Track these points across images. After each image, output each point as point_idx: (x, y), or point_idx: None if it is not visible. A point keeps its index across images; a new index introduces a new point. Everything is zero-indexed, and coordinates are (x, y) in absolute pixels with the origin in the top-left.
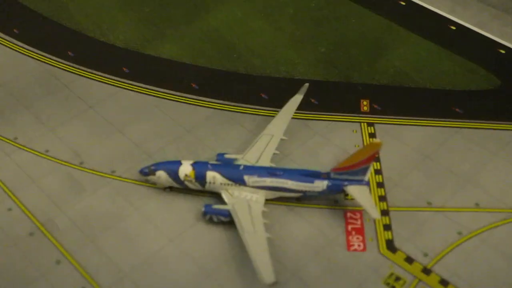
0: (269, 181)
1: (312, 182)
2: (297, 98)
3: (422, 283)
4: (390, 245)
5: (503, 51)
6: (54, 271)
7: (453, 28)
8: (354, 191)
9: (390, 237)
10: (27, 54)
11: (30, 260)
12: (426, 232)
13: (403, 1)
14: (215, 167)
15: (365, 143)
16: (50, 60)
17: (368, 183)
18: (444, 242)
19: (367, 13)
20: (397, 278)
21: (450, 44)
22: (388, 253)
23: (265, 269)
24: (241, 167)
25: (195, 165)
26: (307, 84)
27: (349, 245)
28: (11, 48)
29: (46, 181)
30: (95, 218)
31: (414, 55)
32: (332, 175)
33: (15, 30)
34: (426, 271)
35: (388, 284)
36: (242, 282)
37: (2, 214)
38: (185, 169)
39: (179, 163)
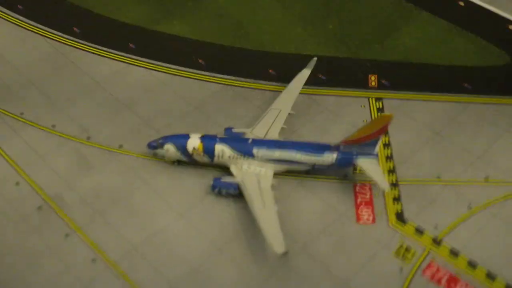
0: (278, 153)
1: (321, 154)
2: (305, 73)
3: (432, 253)
4: (400, 217)
5: None
6: (63, 244)
7: (462, 4)
8: (364, 163)
9: (399, 209)
10: (32, 30)
11: (39, 234)
12: (435, 205)
13: None
14: (223, 140)
15: (373, 118)
16: (56, 36)
17: (377, 156)
18: (454, 214)
19: None
20: (408, 249)
21: (460, 21)
22: (398, 225)
23: (276, 240)
24: (250, 140)
25: (203, 138)
26: (315, 59)
27: (358, 218)
28: (15, 24)
29: (53, 156)
30: (103, 192)
31: (424, 32)
32: (341, 148)
33: (19, 6)
34: (437, 242)
35: (398, 255)
36: (252, 255)
37: (10, 189)
38: (194, 142)
39: (187, 136)
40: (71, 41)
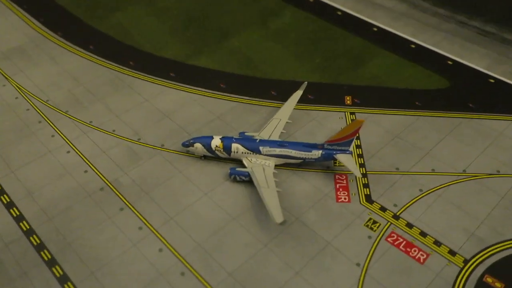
0: (278, 150)
1: (310, 151)
2: (298, 93)
3: (393, 225)
4: (368, 198)
5: (451, 62)
6: (118, 215)
7: (413, 46)
8: (342, 157)
9: (368, 192)
10: (99, 63)
11: (101, 207)
12: (395, 189)
13: (375, 28)
14: (238, 140)
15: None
16: (117, 67)
17: (351, 152)
18: (409, 196)
19: (350, 35)
20: (374, 222)
21: (412, 57)
22: (367, 204)
23: (276, 212)
24: (258, 140)
25: (223, 138)
26: (306, 83)
27: (337, 198)
28: (88, 60)
29: (113, 151)
30: (149, 177)
31: (385, 65)
32: (325, 146)
33: (91, 47)
34: (396, 217)
35: (367, 226)
36: (259, 223)
37: (80, 174)
38: (216, 142)
39: (211, 137)
40: (128, 71)
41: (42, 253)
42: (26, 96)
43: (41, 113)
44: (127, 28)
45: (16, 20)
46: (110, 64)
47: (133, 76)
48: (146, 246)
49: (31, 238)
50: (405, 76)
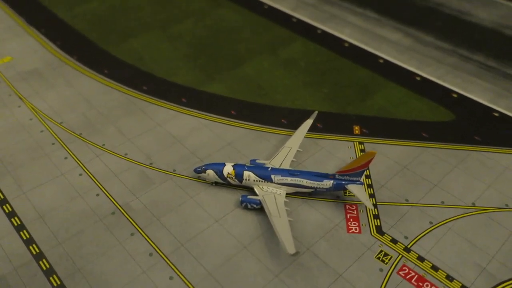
0: (290, 179)
1: (321, 181)
2: (308, 122)
3: (404, 258)
4: (379, 230)
5: (455, 95)
6: (128, 240)
7: (418, 79)
8: (353, 188)
9: (378, 223)
10: (113, 87)
11: (111, 232)
12: (405, 221)
13: (381, 60)
14: (250, 168)
15: (357, 156)
16: (130, 92)
17: (362, 183)
18: (419, 228)
19: (357, 67)
20: (386, 254)
21: (417, 90)
22: (378, 235)
23: (288, 243)
24: (269, 169)
25: (235, 166)
26: (316, 112)
27: (348, 229)
28: (102, 83)
29: (125, 175)
30: (161, 203)
31: (392, 96)
32: (336, 176)
33: (105, 71)
34: (407, 249)
35: (379, 258)
36: (269, 252)
37: (92, 198)
38: (228, 169)
39: (223, 164)
40: (140, 95)
41: (51, 278)
42: (40, 117)
43: (55, 135)
44: (141, 54)
45: (34, 43)
46: (123, 88)
47: (145, 101)
48: (156, 274)
49: (40, 262)
50: (412, 108)
